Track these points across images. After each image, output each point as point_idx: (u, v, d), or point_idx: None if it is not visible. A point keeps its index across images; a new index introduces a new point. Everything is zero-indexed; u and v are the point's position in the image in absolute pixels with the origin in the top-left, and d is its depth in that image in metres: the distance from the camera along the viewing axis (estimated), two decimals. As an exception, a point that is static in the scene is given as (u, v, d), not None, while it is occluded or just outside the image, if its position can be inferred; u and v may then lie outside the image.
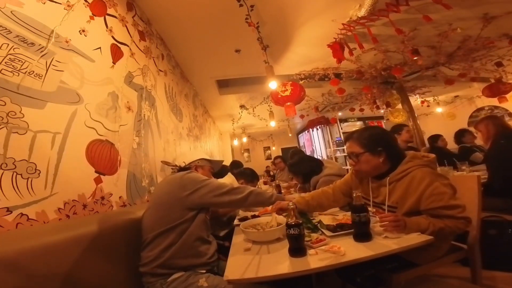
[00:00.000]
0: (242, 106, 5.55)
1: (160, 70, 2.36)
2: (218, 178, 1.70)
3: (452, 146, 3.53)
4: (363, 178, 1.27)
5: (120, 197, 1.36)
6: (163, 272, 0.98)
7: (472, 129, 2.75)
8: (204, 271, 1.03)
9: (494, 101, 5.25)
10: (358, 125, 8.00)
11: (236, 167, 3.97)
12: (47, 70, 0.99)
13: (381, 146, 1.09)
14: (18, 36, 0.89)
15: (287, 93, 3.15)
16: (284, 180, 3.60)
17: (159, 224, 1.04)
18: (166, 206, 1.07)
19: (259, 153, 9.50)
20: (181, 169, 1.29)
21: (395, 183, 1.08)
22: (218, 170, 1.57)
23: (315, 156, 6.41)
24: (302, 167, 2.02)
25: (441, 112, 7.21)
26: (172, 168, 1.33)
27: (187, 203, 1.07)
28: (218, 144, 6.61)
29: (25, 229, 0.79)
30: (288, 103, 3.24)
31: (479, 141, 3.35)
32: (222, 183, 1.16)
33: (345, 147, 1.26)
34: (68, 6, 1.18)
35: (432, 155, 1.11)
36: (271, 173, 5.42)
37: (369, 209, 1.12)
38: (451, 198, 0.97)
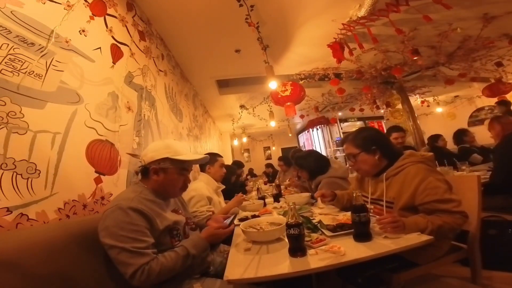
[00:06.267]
0: (242, 106, 5.54)
1: (160, 70, 2.35)
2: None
3: (451, 146, 3.52)
4: (364, 178, 1.31)
5: (120, 197, 1.35)
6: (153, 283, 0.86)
7: (471, 129, 2.75)
8: (198, 276, 1.01)
9: (494, 101, 5.25)
10: (358, 125, 7.99)
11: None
12: (47, 70, 0.99)
13: (374, 145, 1.16)
14: (18, 36, 0.89)
15: (287, 93, 3.16)
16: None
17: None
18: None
19: (259, 153, 9.50)
20: (142, 169, 1.05)
21: (391, 178, 1.12)
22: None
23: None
24: (311, 161, 2.00)
25: (441, 112, 7.22)
26: (140, 162, 1.06)
27: None
28: (218, 144, 6.61)
29: (25, 229, 0.79)
30: (288, 103, 3.24)
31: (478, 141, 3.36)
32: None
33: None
34: (68, 6, 1.18)
35: (430, 154, 1.14)
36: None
37: (367, 206, 1.15)
38: (446, 192, 0.98)
